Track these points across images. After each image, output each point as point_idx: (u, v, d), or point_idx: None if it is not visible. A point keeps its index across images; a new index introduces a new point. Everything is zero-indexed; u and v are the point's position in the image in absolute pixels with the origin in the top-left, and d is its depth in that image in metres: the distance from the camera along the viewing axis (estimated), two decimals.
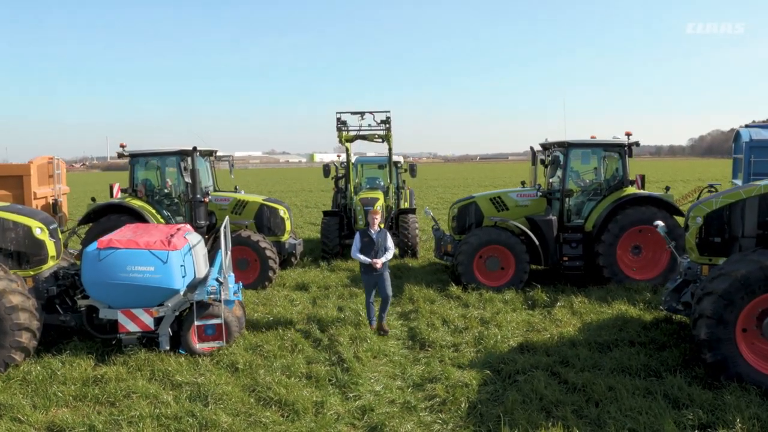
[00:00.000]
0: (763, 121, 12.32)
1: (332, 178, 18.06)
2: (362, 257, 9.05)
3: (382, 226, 9.65)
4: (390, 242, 9.26)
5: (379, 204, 15.02)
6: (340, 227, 15.57)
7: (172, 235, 8.39)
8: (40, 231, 8.31)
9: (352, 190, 16.14)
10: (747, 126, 11.60)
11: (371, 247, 9.04)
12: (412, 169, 17.83)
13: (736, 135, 11.90)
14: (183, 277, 8.14)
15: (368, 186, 18.41)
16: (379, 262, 8.97)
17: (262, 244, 12.35)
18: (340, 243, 15.38)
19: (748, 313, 6.68)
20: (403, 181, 18.74)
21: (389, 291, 9.23)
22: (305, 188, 50.41)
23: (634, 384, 6.77)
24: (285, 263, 14.23)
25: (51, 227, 8.57)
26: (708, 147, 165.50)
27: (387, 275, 9.21)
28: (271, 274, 12.41)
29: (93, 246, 7.98)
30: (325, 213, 16.07)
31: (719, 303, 6.62)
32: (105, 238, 8.10)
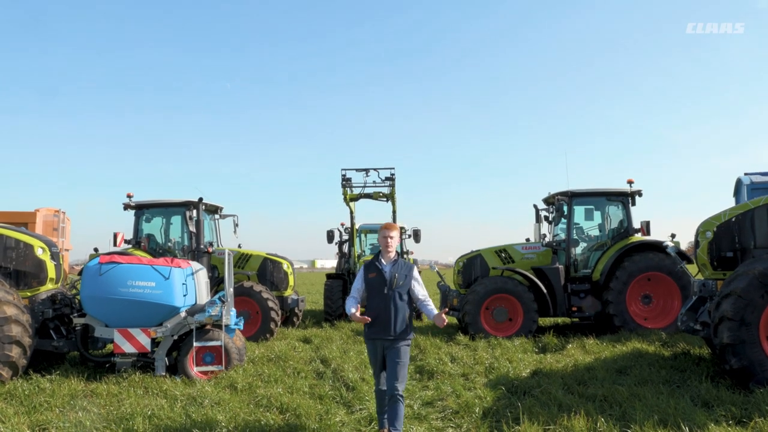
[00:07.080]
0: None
1: (336, 243, 18.03)
2: (351, 310, 5.09)
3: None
4: (419, 285, 5.22)
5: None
6: (344, 290, 15.31)
7: (174, 258, 8.28)
8: (41, 251, 8.21)
9: (356, 254, 16.05)
10: (746, 174, 11.80)
11: (381, 289, 5.05)
12: (416, 235, 17.82)
13: (737, 184, 12.08)
14: (184, 296, 7.91)
15: (372, 253, 18.32)
16: (362, 317, 5.01)
17: (265, 295, 12.06)
18: (343, 305, 15.08)
19: None
20: (407, 250, 18.65)
21: (400, 382, 4.98)
22: (307, 282, 49.98)
23: (657, 389, 6.38)
24: (287, 322, 13.85)
25: (53, 249, 8.48)
26: None
27: (404, 351, 5.05)
28: (272, 326, 12.00)
29: (95, 261, 7.84)
30: (329, 276, 15.86)
31: (739, 303, 6.38)
32: (108, 254, 7.98)
